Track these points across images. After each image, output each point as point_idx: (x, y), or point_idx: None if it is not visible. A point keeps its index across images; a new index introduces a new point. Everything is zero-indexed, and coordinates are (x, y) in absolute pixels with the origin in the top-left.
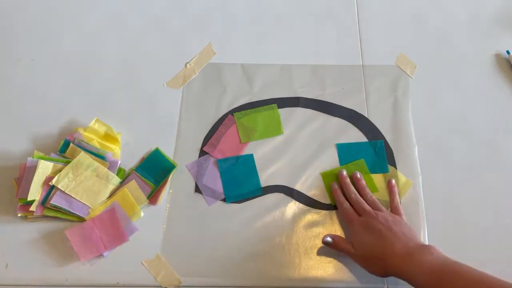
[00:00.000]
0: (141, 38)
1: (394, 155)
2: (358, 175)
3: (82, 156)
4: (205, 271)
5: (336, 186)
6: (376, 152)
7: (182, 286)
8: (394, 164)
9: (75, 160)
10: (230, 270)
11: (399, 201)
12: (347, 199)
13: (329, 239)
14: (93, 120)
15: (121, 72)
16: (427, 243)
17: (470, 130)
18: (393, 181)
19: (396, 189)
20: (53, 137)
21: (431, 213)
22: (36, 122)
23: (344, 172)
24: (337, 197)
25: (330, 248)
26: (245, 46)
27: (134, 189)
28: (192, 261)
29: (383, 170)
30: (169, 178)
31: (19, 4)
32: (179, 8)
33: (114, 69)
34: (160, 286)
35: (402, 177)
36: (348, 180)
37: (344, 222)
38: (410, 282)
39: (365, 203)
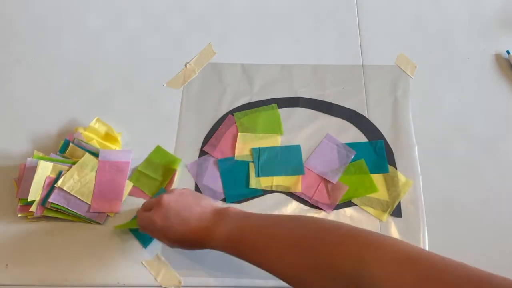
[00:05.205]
0: (141, 38)
1: (394, 155)
2: None
3: (87, 157)
4: (205, 271)
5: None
6: (376, 152)
7: (182, 286)
8: (394, 164)
9: (80, 161)
10: (230, 270)
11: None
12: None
13: None
14: (94, 120)
15: (121, 72)
16: (220, 206)
17: (470, 130)
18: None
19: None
20: (53, 137)
21: (431, 213)
22: (36, 122)
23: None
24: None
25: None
26: (245, 46)
27: None
28: (192, 261)
29: (383, 170)
30: (176, 174)
31: (19, 4)
32: (179, 8)
33: (114, 69)
34: (160, 286)
35: (402, 177)
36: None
37: (147, 232)
38: (214, 249)
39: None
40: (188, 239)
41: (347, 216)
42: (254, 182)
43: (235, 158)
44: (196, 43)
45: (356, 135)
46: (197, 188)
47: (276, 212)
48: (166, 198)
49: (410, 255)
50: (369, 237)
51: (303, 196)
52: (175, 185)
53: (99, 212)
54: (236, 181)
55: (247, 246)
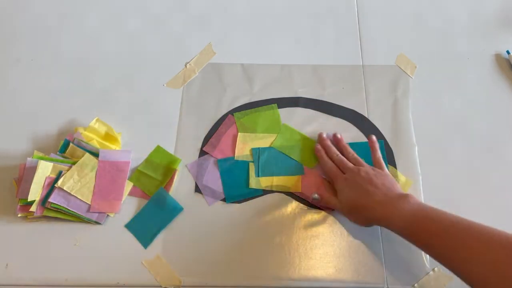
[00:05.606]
0: (141, 38)
1: (394, 155)
2: (339, 136)
3: (87, 157)
4: (205, 271)
5: (319, 147)
6: None
7: (182, 286)
8: (394, 164)
9: (80, 161)
10: (230, 270)
11: (380, 156)
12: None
13: (316, 196)
14: (94, 120)
15: (121, 72)
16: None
17: (470, 130)
18: (374, 137)
19: (377, 145)
20: (53, 137)
21: None
22: (36, 122)
23: (324, 134)
24: (321, 157)
25: (318, 204)
26: (245, 46)
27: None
28: (192, 261)
29: None
30: (176, 174)
31: (19, 4)
32: (179, 8)
33: (114, 69)
34: (160, 286)
35: (402, 177)
36: (329, 142)
37: (330, 180)
38: (390, 228)
39: (348, 161)
40: (368, 211)
41: None
42: (254, 182)
43: (235, 158)
44: (196, 43)
45: (356, 135)
46: (197, 188)
47: (276, 212)
48: (361, 170)
49: None
50: None
51: (303, 196)
52: (175, 185)
53: (99, 212)
54: (236, 181)
55: (430, 228)
